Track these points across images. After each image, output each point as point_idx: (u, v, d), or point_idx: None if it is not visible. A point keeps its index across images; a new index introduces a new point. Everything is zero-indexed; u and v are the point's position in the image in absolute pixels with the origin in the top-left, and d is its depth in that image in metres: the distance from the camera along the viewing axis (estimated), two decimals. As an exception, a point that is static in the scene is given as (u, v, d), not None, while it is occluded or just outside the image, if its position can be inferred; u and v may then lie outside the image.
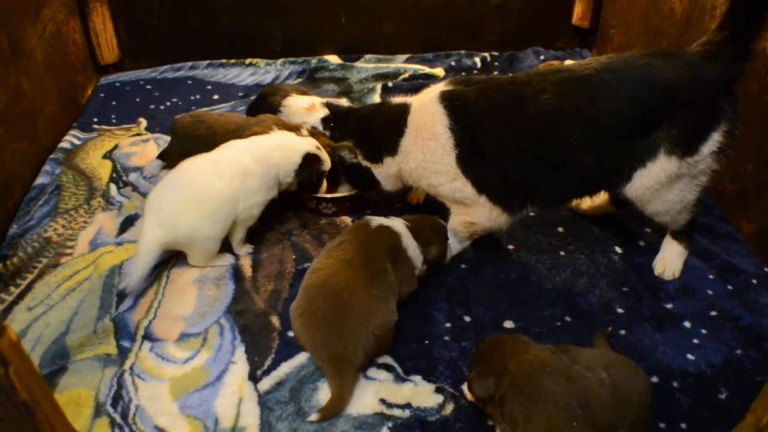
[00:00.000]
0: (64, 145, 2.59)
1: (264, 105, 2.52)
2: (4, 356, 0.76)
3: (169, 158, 2.37)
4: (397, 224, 1.81)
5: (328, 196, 2.19)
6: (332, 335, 1.58)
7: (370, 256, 1.70)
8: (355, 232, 1.81)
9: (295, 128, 2.28)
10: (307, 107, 2.46)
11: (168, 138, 2.55)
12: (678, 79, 1.71)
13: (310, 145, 2.11)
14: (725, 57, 1.69)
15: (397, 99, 2.02)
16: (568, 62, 1.66)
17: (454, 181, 1.89)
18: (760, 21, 1.65)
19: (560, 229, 2.16)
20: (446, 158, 1.86)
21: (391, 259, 1.73)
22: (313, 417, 1.53)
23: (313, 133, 2.32)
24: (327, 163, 2.13)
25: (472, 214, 1.93)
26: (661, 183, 1.77)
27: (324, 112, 2.41)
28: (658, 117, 1.73)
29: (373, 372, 1.66)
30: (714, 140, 1.73)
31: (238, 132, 2.24)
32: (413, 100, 1.96)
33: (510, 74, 1.99)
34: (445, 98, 1.85)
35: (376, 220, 1.83)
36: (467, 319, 1.82)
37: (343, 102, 2.64)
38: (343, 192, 2.22)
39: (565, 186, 1.86)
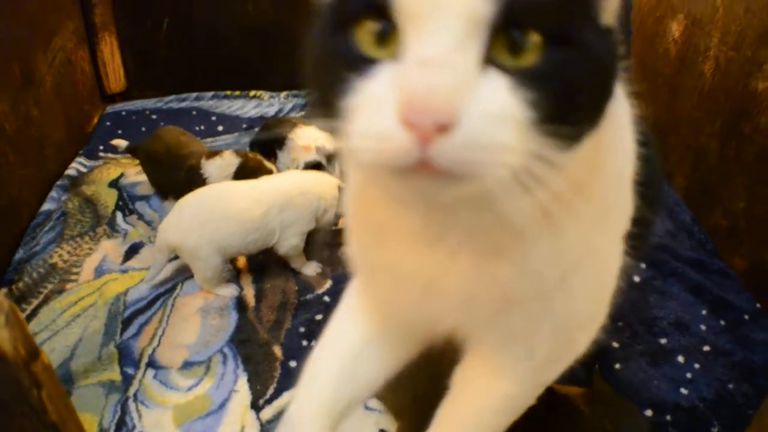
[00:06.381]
0: (70, 172, 2.63)
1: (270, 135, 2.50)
2: (38, 379, 0.80)
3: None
4: None
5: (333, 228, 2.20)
6: None
7: None
8: None
9: (243, 156, 2.22)
10: (304, 146, 2.35)
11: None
12: None
13: (338, 181, 2.13)
14: None
15: None
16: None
17: None
18: None
19: (557, 263, 2.19)
20: None
21: None
22: None
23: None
24: None
25: None
26: None
27: (317, 156, 2.30)
28: None
29: (373, 403, 1.67)
30: None
31: (188, 157, 2.27)
32: None
33: None
34: None
35: None
36: (465, 350, 1.84)
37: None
38: None
39: None
